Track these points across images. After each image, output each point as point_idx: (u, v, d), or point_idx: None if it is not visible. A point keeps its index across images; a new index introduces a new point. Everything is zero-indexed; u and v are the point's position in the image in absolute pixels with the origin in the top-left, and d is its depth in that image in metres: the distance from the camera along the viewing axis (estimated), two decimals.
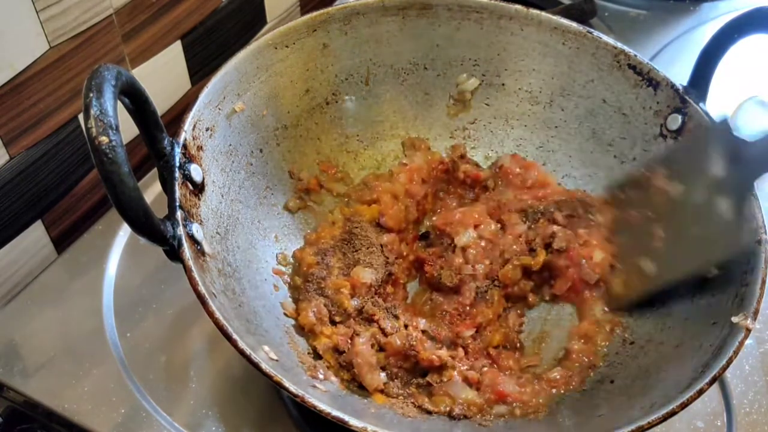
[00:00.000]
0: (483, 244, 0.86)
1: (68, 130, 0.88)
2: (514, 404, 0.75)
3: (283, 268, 0.84)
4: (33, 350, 0.82)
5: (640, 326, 0.80)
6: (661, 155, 0.84)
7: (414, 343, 0.76)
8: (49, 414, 0.78)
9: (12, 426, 0.81)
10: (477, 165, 0.95)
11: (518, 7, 0.90)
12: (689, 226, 0.78)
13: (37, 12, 0.78)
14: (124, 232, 0.92)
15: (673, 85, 0.84)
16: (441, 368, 0.76)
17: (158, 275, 0.89)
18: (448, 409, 0.74)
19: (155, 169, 0.70)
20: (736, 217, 0.74)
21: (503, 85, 0.95)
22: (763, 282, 0.70)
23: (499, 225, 0.88)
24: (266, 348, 0.67)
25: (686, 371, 0.67)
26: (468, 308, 0.83)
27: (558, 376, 0.77)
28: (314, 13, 0.87)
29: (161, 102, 1.01)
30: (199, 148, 0.73)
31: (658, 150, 0.86)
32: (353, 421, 0.60)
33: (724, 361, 0.65)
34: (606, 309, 0.82)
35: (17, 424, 0.81)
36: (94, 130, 0.53)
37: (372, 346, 0.76)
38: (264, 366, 0.61)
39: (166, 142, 0.67)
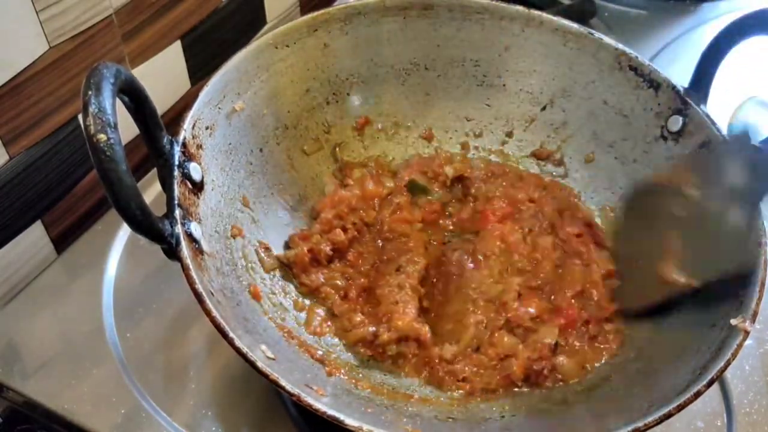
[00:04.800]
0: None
1: (68, 130, 0.88)
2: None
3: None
4: (33, 350, 0.82)
5: (639, 329, 0.79)
6: (687, 163, 0.83)
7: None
8: (48, 414, 0.78)
9: (12, 426, 0.81)
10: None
11: (519, 7, 0.90)
12: (705, 234, 0.77)
13: (36, 12, 0.78)
14: (124, 232, 0.92)
15: (673, 87, 0.84)
16: None
17: (158, 275, 0.89)
18: None
19: (155, 169, 0.70)
20: (748, 226, 0.74)
21: (504, 85, 0.95)
22: (762, 284, 0.70)
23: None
24: (263, 347, 0.67)
25: (684, 373, 0.67)
26: None
27: None
28: (315, 13, 0.87)
29: (161, 102, 1.01)
30: (199, 146, 0.73)
31: (658, 152, 0.86)
32: (349, 420, 0.59)
33: (722, 363, 0.65)
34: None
35: (17, 424, 0.81)
36: (92, 127, 0.53)
37: None
38: (260, 365, 0.61)
39: (165, 140, 0.67)
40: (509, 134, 0.96)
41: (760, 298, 0.69)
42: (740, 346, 0.66)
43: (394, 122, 0.96)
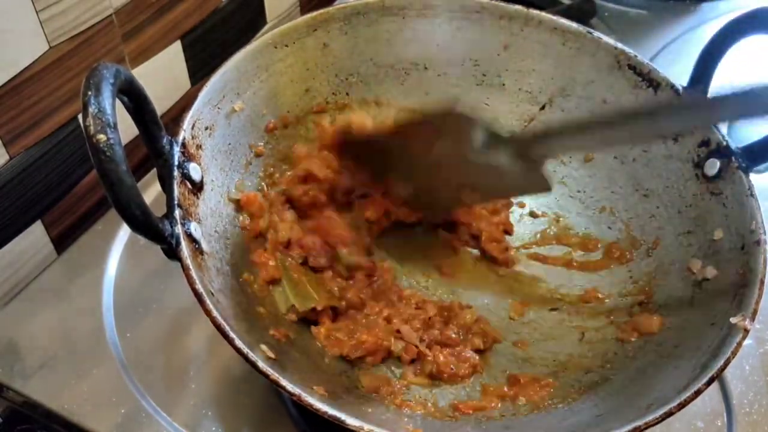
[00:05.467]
0: None
1: (68, 130, 0.88)
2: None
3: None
4: (33, 350, 0.82)
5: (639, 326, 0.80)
6: None
7: None
8: (49, 414, 0.78)
9: (12, 426, 0.81)
10: None
11: (518, 7, 0.90)
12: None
13: (36, 12, 0.78)
14: (124, 232, 0.92)
15: (672, 86, 0.84)
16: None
17: (158, 275, 0.89)
18: None
19: (155, 169, 0.70)
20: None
21: (503, 85, 0.95)
22: (762, 282, 0.70)
23: None
24: (264, 347, 0.67)
25: (684, 372, 0.67)
26: None
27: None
28: (314, 13, 0.87)
29: (161, 102, 1.01)
30: (198, 147, 0.73)
31: (657, 151, 0.86)
32: (350, 420, 0.59)
33: (722, 362, 0.65)
34: None
35: (17, 424, 0.81)
36: (92, 128, 0.53)
37: None
38: (261, 365, 0.60)
39: (165, 140, 0.67)
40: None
41: (759, 297, 0.69)
42: (740, 344, 0.66)
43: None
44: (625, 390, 0.73)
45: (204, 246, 0.69)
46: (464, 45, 0.93)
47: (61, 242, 0.93)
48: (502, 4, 0.90)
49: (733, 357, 0.65)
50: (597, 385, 0.75)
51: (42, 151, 0.86)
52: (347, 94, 0.92)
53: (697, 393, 0.63)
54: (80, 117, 0.87)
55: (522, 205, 0.95)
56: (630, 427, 0.61)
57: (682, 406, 0.63)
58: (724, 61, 0.80)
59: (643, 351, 0.76)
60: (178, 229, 0.64)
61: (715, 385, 0.72)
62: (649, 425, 0.61)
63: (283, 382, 0.60)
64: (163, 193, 0.67)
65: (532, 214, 0.94)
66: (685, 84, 0.83)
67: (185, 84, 1.05)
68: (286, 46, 0.85)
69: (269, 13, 1.16)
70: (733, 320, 0.68)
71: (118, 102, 0.56)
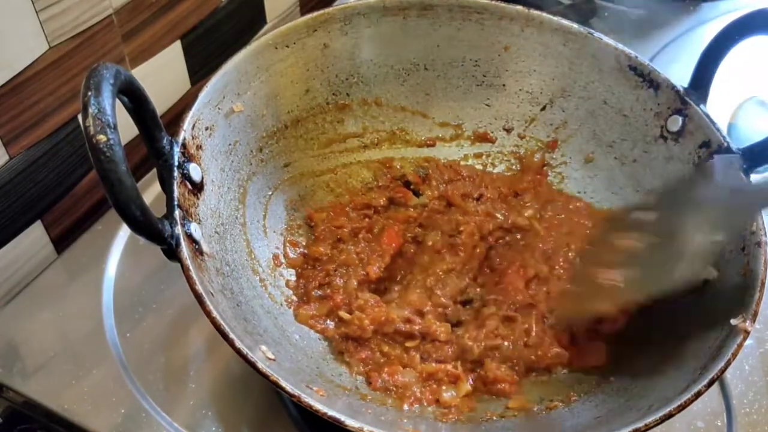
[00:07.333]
0: None
1: (68, 130, 0.88)
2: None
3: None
4: (33, 350, 0.82)
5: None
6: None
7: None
8: (49, 414, 0.78)
9: (12, 426, 0.81)
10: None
11: (519, 8, 0.90)
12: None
13: (36, 12, 0.78)
14: (124, 232, 0.92)
15: (673, 87, 0.84)
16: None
17: (158, 275, 0.89)
18: None
19: (155, 169, 0.70)
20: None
21: (504, 86, 0.95)
22: (762, 284, 0.70)
23: None
24: (263, 348, 0.67)
25: (685, 373, 0.67)
26: None
27: None
28: (315, 13, 0.87)
29: (161, 102, 1.01)
30: (198, 147, 0.73)
31: (658, 152, 0.86)
32: (349, 421, 0.59)
33: (722, 363, 0.65)
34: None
35: (17, 424, 0.81)
36: (92, 128, 0.53)
37: None
38: (261, 365, 0.61)
39: (165, 141, 0.67)
40: (508, 135, 0.96)
41: (760, 298, 0.69)
42: (740, 346, 0.66)
43: (392, 124, 0.96)
44: (625, 391, 0.73)
45: (204, 247, 0.69)
46: (464, 45, 0.93)
47: (61, 242, 0.93)
48: (503, 4, 0.90)
49: (734, 359, 0.65)
50: (597, 386, 0.76)
51: (42, 151, 0.86)
52: (347, 94, 0.92)
53: (698, 395, 0.63)
54: (80, 117, 0.87)
55: None
56: (630, 428, 0.61)
57: (682, 407, 0.63)
58: (724, 62, 0.81)
59: (642, 352, 0.76)
60: (178, 230, 0.64)
61: (715, 386, 0.71)
62: (648, 426, 0.61)
63: (283, 383, 0.60)
64: (163, 193, 0.67)
65: None
66: (685, 85, 0.83)
67: (185, 84, 1.05)
68: (287, 46, 0.85)
69: (269, 13, 1.16)
70: (733, 322, 0.68)
71: (118, 102, 0.56)
